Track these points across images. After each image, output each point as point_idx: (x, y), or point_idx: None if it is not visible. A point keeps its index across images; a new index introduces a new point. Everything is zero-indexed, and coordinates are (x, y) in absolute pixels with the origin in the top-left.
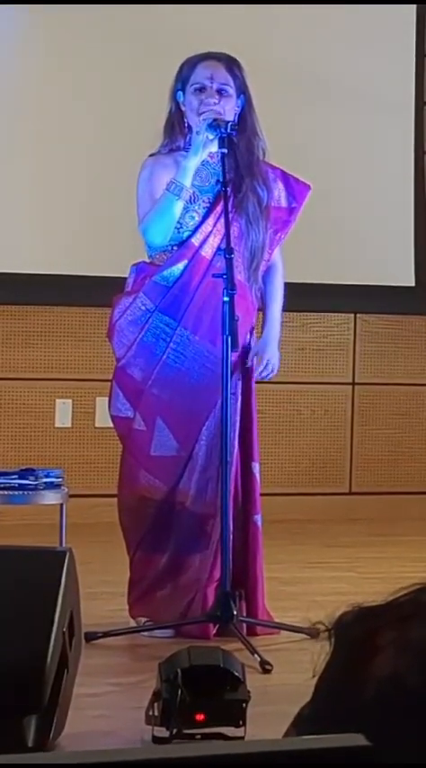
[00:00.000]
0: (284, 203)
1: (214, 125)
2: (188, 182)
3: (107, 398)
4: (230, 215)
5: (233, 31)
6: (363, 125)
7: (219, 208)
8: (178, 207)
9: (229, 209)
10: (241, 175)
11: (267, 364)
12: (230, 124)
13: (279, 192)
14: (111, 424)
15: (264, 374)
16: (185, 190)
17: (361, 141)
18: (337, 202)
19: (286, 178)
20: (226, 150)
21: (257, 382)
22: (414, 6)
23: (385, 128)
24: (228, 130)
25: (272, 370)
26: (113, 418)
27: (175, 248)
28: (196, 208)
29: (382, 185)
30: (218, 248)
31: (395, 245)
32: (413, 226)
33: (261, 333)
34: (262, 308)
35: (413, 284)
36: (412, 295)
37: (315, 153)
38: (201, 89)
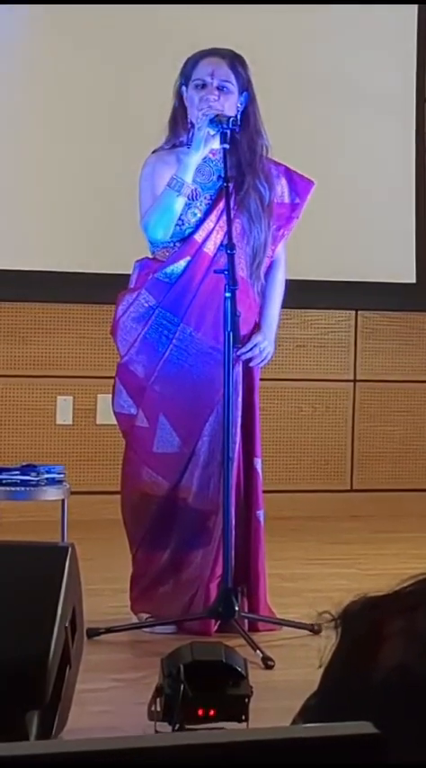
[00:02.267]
0: (287, 199)
1: (215, 120)
2: (189, 178)
3: (108, 395)
4: (232, 213)
5: (233, 30)
6: (364, 122)
7: (221, 204)
8: (179, 203)
9: (231, 206)
10: (243, 173)
11: (261, 351)
12: (231, 120)
13: (283, 188)
14: (113, 421)
15: (258, 360)
16: (186, 186)
17: (362, 138)
18: (338, 199)
19: (289, 174)
20: (227, 146)
21: (244, 361)
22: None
23: (386, 124)
24: (230, 126)
25: (266, 358)
26: (116, 415)
27: (178, 245)
28: (198, 204)
29: (383, 182)
30: (221, 245)
31: (397, 241)
32: (415, 222)
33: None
34: (262, 302)
35: (414, 281)
36: (414, 292)
37: (317, 150)
38: (202, 85)
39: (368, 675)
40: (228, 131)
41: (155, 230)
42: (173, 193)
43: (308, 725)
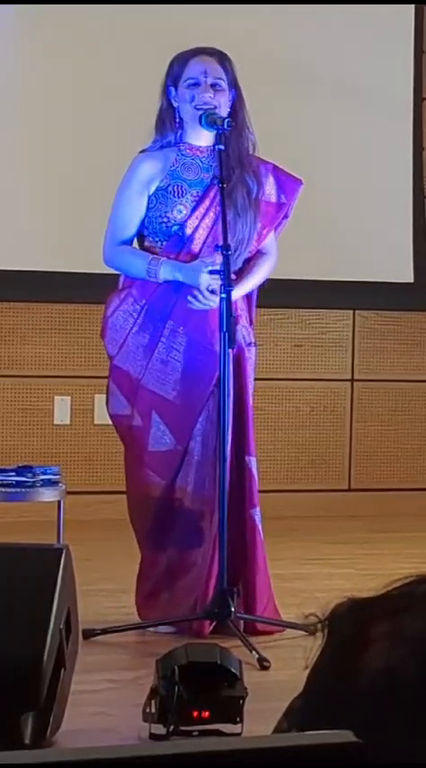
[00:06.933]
0: (274, 199)
1: (210, 121)
2: (163, 277)
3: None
4: (217, 207)
5: (230, 28)
6: (362, 121)
7: (207, 202)
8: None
9: (218, 201)
10: (231, 167)
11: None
12: (226, 121)
13: (271, 186)
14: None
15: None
16: (156, 279)
17: (360, 138)
18: (336, 199)
19: (277, 173)
20: (222, 147)
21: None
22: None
23: (383, 124)
24: (226, 127)
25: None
26: (113, 417)
27: (164, 243)
28: (184, 201)
29: (381, 182)
30: (205, 241)
31: (394, 241)
32: (412, 222)
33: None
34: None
35: (412, 281)
36: (411, 291)
37: (314, 149)
38: (195, 84)
39: (354, 678)
40: (223, 131)
41: (109, 267)
42: (142, 272)
43: (291, 734)
